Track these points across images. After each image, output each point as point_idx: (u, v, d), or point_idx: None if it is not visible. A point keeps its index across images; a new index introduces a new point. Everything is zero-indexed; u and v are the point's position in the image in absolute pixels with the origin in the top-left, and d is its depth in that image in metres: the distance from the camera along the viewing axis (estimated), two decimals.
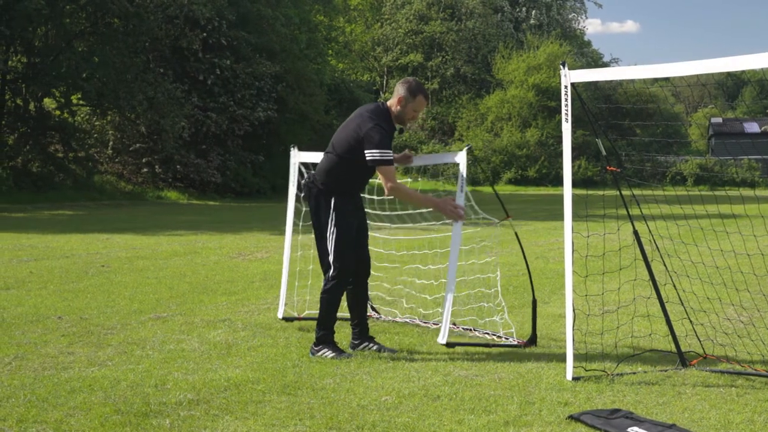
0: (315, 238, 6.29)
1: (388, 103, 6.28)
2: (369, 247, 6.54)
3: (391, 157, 6.06)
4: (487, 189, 52.12)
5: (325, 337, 6.12)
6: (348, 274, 6.19)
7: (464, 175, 6.37)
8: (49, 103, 32.99)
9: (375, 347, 6.32)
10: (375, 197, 7.44)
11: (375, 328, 7.16)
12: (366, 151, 6.04)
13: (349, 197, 6.23)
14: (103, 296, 8.72)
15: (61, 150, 32.16)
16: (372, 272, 6.64)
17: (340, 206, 6.13)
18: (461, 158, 6.40)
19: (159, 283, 9.69)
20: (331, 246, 6.13)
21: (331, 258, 6.15)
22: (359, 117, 6.18)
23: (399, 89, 6.21)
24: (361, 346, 6.35)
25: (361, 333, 6.43)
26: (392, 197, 6.30)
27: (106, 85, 30.69)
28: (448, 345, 6.25)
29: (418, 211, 7.30)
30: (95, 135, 34.13)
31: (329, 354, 6.03)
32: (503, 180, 55.78)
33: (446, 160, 7.00)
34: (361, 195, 6.51)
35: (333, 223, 6.13)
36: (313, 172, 6.43)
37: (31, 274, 10.31)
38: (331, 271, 6.14)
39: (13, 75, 31.15)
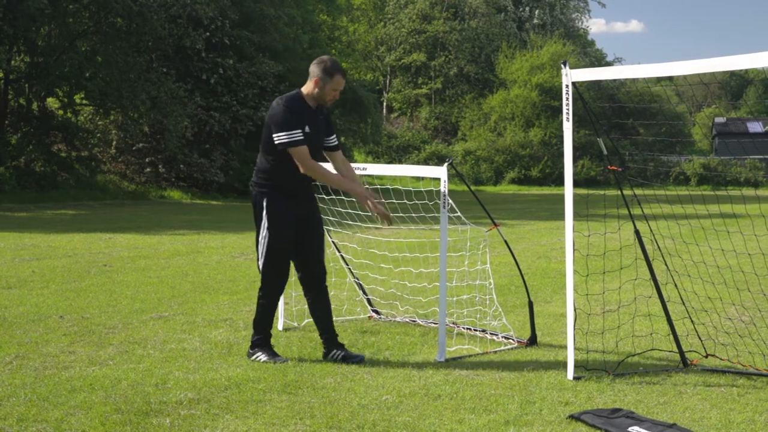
0: None
1: (303, 88, 5.99)
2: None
3: (300, 137, 5.74)
4: (491, 188, 52.20)
5: (259, 341, 5.98)
6: (278, 280, 5.97)
7: (446, 191, 6.11)
8: (52, 102, 33.01)
9: (341, 354, 5.98)
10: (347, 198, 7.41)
11: (375, 328, 7.17)
12: (273, 135, 5.78)
13: (284, 197, 5.92)
14: (105, 295, 8.73)
15: (65, 149, 32.19)
16: (367, 274, 6.52)
17: (273, 208, 5.88)
18: (442, 173, 6.14)
19: (161, 283, 9.69)
20: (261, 250, 5.91)
21: (260, 263, 5.94)
22: (270, 108, 5.96)
23: (314, 70, 5.89)
24: (330, 356, 6.02)
25: (328, 341, 6.09)
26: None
27: (109, 85, 30.70)
28: (447, 361, 6.03)
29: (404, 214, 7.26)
30: (98, 134, 34.13)
31: (263, 357, 5.87)
32: (506, 180, 55.77)
33: (427, 174, 6.63)
34: (312, 193, 6.12)
35: (265, 226, 5.89)
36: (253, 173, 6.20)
37: (33, 273, 10.32)
38: (261, 276, 5.98)
39: (17, 74, 31.17)
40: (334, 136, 6.19)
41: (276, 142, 5.77)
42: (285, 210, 5.90)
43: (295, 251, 6.01)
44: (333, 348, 6.04)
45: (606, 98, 54.58)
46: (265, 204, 5.89)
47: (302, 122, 5.83)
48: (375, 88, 58.81)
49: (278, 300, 6.06)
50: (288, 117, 5.78)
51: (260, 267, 5.96)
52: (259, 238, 5.91)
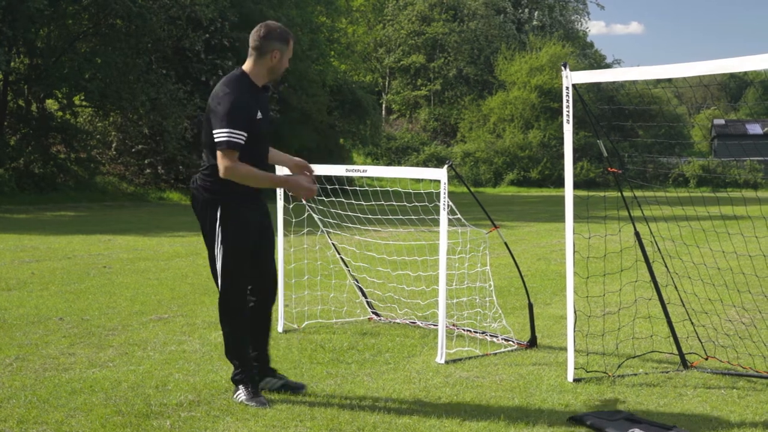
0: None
1: (246, 65, 4.97)
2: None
3: (241, 140, 4.72)
4: (490, 190, 52.21)
5: (239, 376, 5.00)
6: (238, 302, 4.99)
7: (446, 192, 6.07)
8: (51, 104, 33.00)
9: (279, 383, 5.19)
10: (349, 200, 7.39)
11: (375, 330, 7.17)
12: (214, 132, 4.74)
13: (240, 202, 4.93)
14: (105, 297, 8.73)
15: (64, 151, 32.19)
16: (366, 276, 6.44)
17: (228, 218, 4.89)
18: (442, 175, 6.09)
19: (160, 285, 9.69)
20: (218, 268, 4.93)
21: (218, 282, 4.96)
22: (213, 93, 4.90)
23: (267, 43, 4.89)
24: (262, 383, 5.14)
25: (262, 368, 5.19)
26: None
27: (108, 86, 30.69)
28: (447, 363, 5.99)
29: (401, 217, 7.25)
30: (97, 136, 34.13)
31: (242, 396, 4.91)
32: (505, 181, 55.78)
33: (427, 176, 6.53)
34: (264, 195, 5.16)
35: (219, 240, 4.90)
36: (197, 175, 5.07)
37: (33, 275, 10.31)
38: (219, 298, 5.02)
39: (16, 76, 31.17)
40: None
41: (216, 141, 4.74)
42: (242, 219, 4.94)
43: (252, 261, 5.08)
44: (266, 375, 5.20)
45: (605, 100, 54.58)
46: (219, 214, 4.89)
47: (253, 110, 4.86)
48: (374, 89, 58.80)
49: (246, 324, 5.06)
50: (232, 110, 4.75)
51: (218, 287, 5.00)
52: (215, 253, 4.94)
